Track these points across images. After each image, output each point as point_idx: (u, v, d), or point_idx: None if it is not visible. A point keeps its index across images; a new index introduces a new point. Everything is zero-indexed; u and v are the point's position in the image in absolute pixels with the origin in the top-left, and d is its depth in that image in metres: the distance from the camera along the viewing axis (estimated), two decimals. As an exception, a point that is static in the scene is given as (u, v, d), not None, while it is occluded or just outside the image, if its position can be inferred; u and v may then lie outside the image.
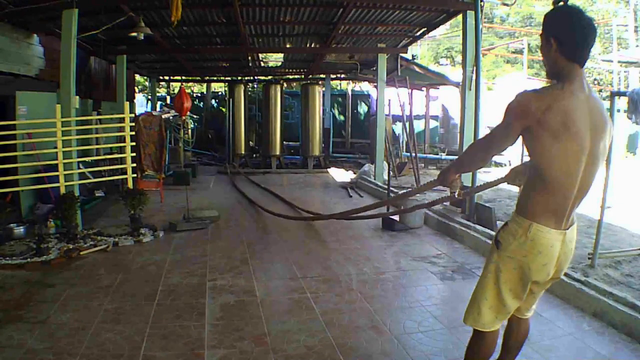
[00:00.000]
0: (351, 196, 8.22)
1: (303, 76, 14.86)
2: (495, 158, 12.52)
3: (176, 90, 14.67)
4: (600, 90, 21.18)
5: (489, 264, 2.14)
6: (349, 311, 3.38)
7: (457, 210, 5.97)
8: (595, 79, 22.51)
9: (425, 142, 13.66)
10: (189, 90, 16.37)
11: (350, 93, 16.21)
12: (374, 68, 10.06)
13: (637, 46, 18.70)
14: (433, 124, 14.39)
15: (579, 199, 1.98)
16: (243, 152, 12.34)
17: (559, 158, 1.88)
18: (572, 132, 1.85)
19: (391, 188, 6.95)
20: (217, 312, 3.36)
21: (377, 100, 9.47)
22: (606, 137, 1.96)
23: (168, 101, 15.78)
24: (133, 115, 6.90)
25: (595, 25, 1.96)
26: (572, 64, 1.91)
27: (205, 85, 18.17)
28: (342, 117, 16.31)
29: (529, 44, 17.52)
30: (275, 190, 8.26)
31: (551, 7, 1.99)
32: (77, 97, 5.61)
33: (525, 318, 2.34)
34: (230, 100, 12.24)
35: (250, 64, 12.66)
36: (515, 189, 7.96)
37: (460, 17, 6.49)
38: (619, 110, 5.92)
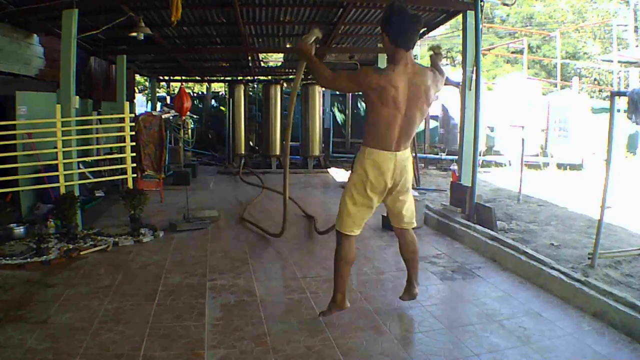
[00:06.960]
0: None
1: (303, 76, 14.84)
2: (496, 158, 12.50)
3: (176, 90, 14.66)
4: (600, 90, 21.19)
5: (347, 184, 3.03)
6: (349, 311, 3.37)
7: (457, 210, 5.97)
8: (595, 79, 22.49)
9: (425, 142, 13.63)
10: (189, 90, 16.36)
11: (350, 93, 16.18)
12: (374, 68, 10.04)
13: (637, 46, 18.70)
14: (433, 123, 14.34)
15: (402, 136, 2.86)
16: (243, 152, 12.33)
17: (381, 116, 2.79)
18: (390, 99, 2.72)
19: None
20: (217, 312, 3.37)
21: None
22: (427, 87, 2.80)
23: (168, 101, 15.76)
24: (133, 115, 6.90)
25: (414, 17, 2.72)
26: (398, 48, 2.73)
27: (205, 85, 18.16)
28: (342, 117, 16.28)
29: (529, 44, 17.51)
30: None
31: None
32: (77, 97, 5.60)
33: (406, 228, 3.18)
34: (230, 100, 12.23)
35: (250, 64, 12.65)
36: (515, 190, 7.95)
37: (460, 17, 6.49)
38: (619, 110, 5.90)
